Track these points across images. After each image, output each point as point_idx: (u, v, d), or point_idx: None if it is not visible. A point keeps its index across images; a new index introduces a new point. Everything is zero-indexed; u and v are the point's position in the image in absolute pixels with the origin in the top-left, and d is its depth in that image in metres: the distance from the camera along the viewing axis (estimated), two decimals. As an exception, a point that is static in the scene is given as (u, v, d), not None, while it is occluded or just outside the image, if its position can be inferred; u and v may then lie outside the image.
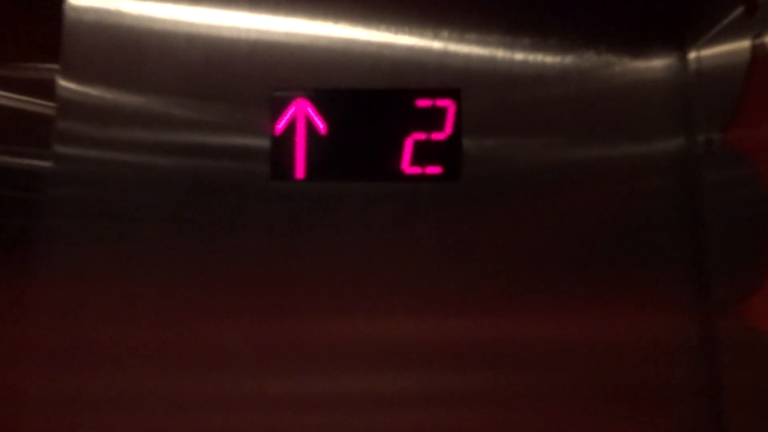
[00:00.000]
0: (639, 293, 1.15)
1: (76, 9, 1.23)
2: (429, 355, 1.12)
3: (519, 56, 1.22)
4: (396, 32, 1.22)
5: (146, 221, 1.16)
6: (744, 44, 1.04)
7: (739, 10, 1.06)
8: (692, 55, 1.21)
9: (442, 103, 1.18)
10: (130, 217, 1.16)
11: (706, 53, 1.17)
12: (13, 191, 1.24)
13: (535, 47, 1.22)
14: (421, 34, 1.22)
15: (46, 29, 1.25)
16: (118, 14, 1.23)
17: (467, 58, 1.22)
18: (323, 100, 1.19)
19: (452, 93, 1.18)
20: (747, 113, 1.05)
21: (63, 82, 1.21)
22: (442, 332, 1.13)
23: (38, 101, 1.26)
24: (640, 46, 1.23)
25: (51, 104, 1.21)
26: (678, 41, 1.23)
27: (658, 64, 1.22)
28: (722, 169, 1.12)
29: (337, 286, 1.14)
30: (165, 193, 1.17)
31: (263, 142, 1.18)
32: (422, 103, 1.18)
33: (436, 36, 1.22)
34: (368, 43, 1.22)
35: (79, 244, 1.15)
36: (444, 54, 1.22)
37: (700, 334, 1.13)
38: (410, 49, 1.22)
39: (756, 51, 1.02)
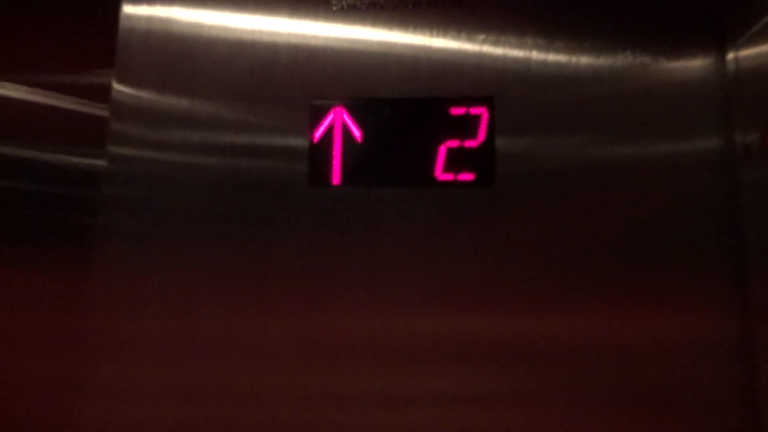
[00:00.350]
0: (676, 294, 1.13)
1: (130, 17, 1.29)
2: (466, 356, 1.13)
3: (553, 58, 1.21)
4: (431, 38, 1.24)
5: (193, 219, 1.20)
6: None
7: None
8: (731, 55, 1.19)
9: (475, 110, 1.19)
10: (179, 215, 1.21)
11: (744, 53, 1.15)
12: (72, 189, 1.30)
13: (569, 49, 1.22)
14: (456, 39, 1.23)
15: (102, 36, 1.30)
16: (168, 21, 1.28)
17: (502, 61, 1.22)
18: (359, 109, 1.22)
19: (485, 100, 1.19)
20: None
21: (117, 86, 1.26)
22: (477, 334, 1.14)
23: (94, 104, 1.31)
24: (677, 46, 1.21)
25: (106, 107, 1.27)
26: (716, 41, 1.20)
27: (695, 64, 1.20)
28: (761, 172, 1.10)
29: (371, 289, 1.16)
30: (211, 192, 1.21)
31: (303, 145, 1.22)
32: (456, 111, 1.19)
33: (470, 40, 1.23)
34: (404, 52, 1.24)
35: (132, 239, 1.20)
36: (479, 58, 1.23)
37: (738, 336, 1.11)
38: (445, 56, 1.23)
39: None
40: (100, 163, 1.25)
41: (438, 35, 1.24)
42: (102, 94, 1.28)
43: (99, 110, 1.30)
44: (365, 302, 1.16)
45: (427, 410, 1.13)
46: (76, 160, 1.31)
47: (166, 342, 1.17)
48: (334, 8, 1.27)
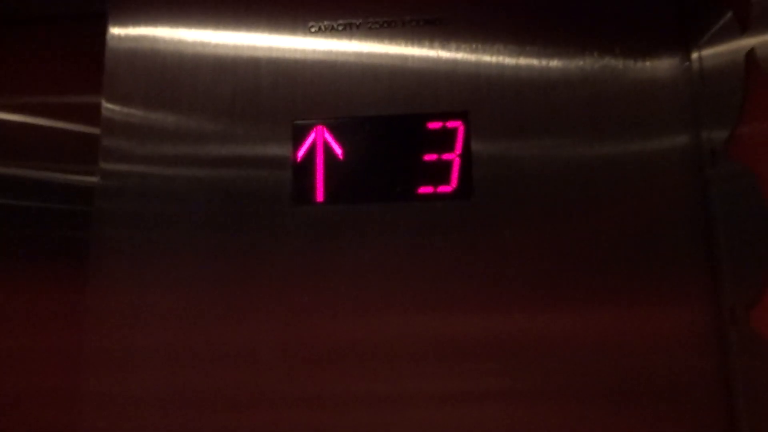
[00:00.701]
0: (651, 292, 1.16)
1: (117, 37, 1.32)
2: (447, 367, 1.16)
3: (525, 66, 1.24)
4: (406, 56, 1.27)
5: (184, 230, 1.23)
6: (741, 43, 1.06)
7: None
8: (695, 54, 1.22)
9: (452, 124, 1.22)
10: (170, 227, 1.24)
11: (708, 53, 1.18)
12: (66, 204, 1.34)
13: (540, 56, 1.25)
14: (430, 55, 1.27)
15: (90, 56, 1.33)
16: (153, 40, 1.31)
17: (475, 74, 1.25)
18: (340, 127, 1.25)
19: (461, 114, 1.23)
20: (747, 121, 1.07)
21: (106, 104, 1.29)
22: (462, 339, 1.16)
23: (85, 123, 1.35)
24: (644, 48, 1.24)
25: (96, 125, 1.29)
26: (681, 42, 1.23)
27: (662, 64, 1.23)
28: (725, 168, 1.13)
29: (357, 299, 1.19)
30: (200, 203, 1.24)
31: (286, 164, 1.25)
32: (433, 125, 1.23)
33: (444, 56, 1.26)
34: (381, 70, 1.27)
35: (125, 252, 1.23)
36: (453, 73, 1.25)
37: (710, 332, 1.13)
38: (420, 71, 1.26)
39: (749, 58, 1.04)
40: (93, 179, 1.28)
41: (413, 52, 1.27)
42: (92, 112, 1.31)
43: (90, 128, 1.33)
44: (351, 311, 1.19)
45: (414, 411, 1.16)
46: (69, 177, 1.35)
47: (160, 351, 1.20)
48: (312, 29, 1.30)
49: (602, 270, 1.17)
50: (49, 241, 1.33)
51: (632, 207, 1.19)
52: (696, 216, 1.17)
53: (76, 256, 1.26)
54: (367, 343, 1.18)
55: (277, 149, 1.26)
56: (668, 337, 1.14)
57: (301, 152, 1.25)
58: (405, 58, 1.28)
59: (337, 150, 1.24)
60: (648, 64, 1.23)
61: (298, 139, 1.25)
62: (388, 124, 1.24)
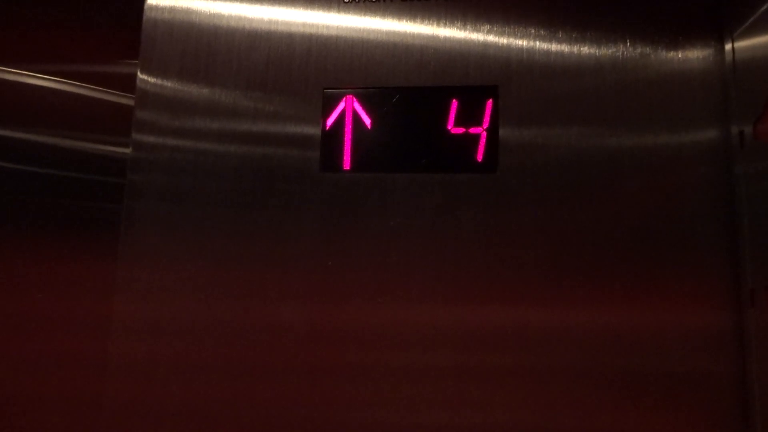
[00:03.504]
0: (674, 282, 1.15)
1: (154, 8, 1.34)
2: (466, 338, 1.17)
3: (556, 48, 1.25)
4: (438, 29, 1.28)
5: (214, 204, 1.25)
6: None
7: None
8: (729, 45, 1.21)
9: (480, 98, 1.23)
10: (200, 200, 1.25)
11: (742, 44, 1.17)
12: (99, 175, 1.36)
13: (572, 40, 1.25)
14: (462, 30, 1.27)
15: (127, 27, 1.36)
16: (189, 12, 1.33)
17: (506, 51, 1.26)
18: (369, 97, 1.26)
19: (490, 90, 1.24)
20: None
21: (141, 75, 1.32)
22: (478, 317, 1.17)
23: (120, 93, 1.38)
24: (676, 37, 1.23)
25: (131, 96, 1.32)
26: (715, 32, 1.23)
27: (695, 54, 1.22)
28: (754, 162, 1.12)
29: (381, 270, 1.20)
30: (231, 179, 1.26)
31: (316, 132, 1.26)
32: (461, 99, 1.24)
33: (476, 31, 1.27)
34: (413, 42, 1.28)
35: (156, 224, 1.25)
36: (484, 49, 1.26)
37: (732, 324, 1.13)
38: (452, 46, 1.27)
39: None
40: (126, 150, 1.30)
41: (445, 26, 1.28)
42: (127, 83, 1.33)
43: (124, 99, 1.36)
44: (373, 283, 1.21)
45: (431, 387, 1.16)
46: (102, 147, 1.38)
47: (187, 323, 1.22)
48: (346, 2, 1.32)
49: (622, 257, 1.17)
50: (80, 210, 1.36)
51: (656, 197, 1.19)
52: (721, 210, 1.17)
53: (107, 227, 1.28)
54: (387, 313, 1.19)
55: (307, 118, 1.28)
56: (687, 329, 1.14)
57: (330, 120, 1.27)
58: (437, 32, 1.29)
59: (366, 119, 1.26)
60: (680, 54, 1.23)
61: (327, 108, 1.27)
62: (417, 95, 1.26)
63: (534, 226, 1.19)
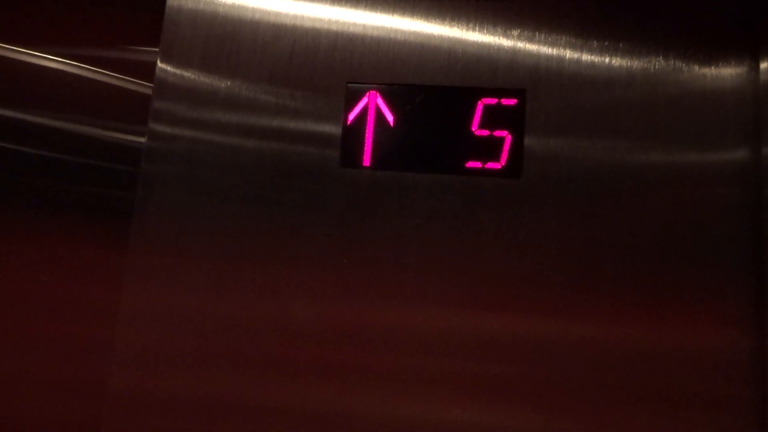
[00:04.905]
0: (695, 301, 1.13)
1: (178, -4, 1.33)
2: (480, 344, 1.15)
3: (587, 58, 1.23)
4: (467, 31, 1.26)
5: (229, 198, 1.24)
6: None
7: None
8: (765, 64, 1.18)
9: (507, 102, 1.21)
10: (216, 194, 1.24)
11: (779, 64, 1.15)
12: (113, 163, 1.34)
13: (603, 50, 1.23)
14: (492, 33, 1.26)
15: (149, 13, 1.34)
16: (214, 2, 1.31)
17: (536, 58, 1.24)
18: (393, 94, 1.25)
19: (517, 93, 1.22)
20: None
21: (161, 65, 1.30)
22: (494, 324, 1.16)
23: (139, 81, 1.35)
24: (711, 53, 1.21)
25: (150, 84, 1.30)
26: (750, 49, 1.20)
27: (728, 72, 1.20)
28: None
29: (396, 271, 1.19)
30: (249, 173, 1.24)
31: (337, 129, 1.25)
32: (488, 101, 1.22)
33: (506, 35, 1.25)
34: (440, 42, 1.26)
35: (170, 215, 1.24)
36: (513, 53, 1.24)
37: (752, 347, 1.10)
38: (480, 48, 1.25)
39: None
40: (142, 139, 1.29)
41: (474, 28, 1.27)
42: (146, 71, 1.32)
43: (142, 88, 1.34)
44: (389, 284, 1.19)
45: (446, 393, 1.15)
46: (118, 135, 1.36)
47: (197, 315, 1.20)
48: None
49: (643, 272, 1.15)
50: (94, 198, 1.34)
51: (681, 214, 1.16)
52: (747, 232, 1.14)
53: (120, 216, 1.27)
54: (402, 315, 1.18)
55: (329, 114, 1.26)
56: (705, 350, 1.11)
57: (352, 115, 1.25)
58: (466, 34, 1.27)
59: (389, 116, 1.24)
60: (714, 70, 1.20)
61: (350, 102, 1.25)
62: (442, 94, 1.24)
63: (554, 235, 1.17)
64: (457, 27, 1.27)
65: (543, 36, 1.25)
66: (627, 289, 1.15)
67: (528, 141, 1.21)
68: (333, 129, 1.26)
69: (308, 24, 1.30)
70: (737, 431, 1.08)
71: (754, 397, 1.09)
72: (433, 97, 1.24)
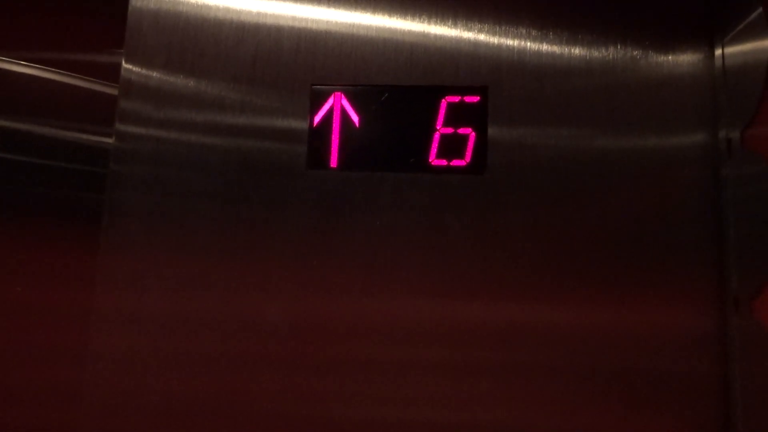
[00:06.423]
0: (658, 283, 1.16)
1: (140, -3, 1.31)
2: (452, 336, 1.17)
3: (547, 49, 1.24)
4: (429, 27, 1.27)
5: (197, 197, 1.24)
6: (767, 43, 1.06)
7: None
8: (719, 51, 1.21)
9: (470, 99, 1.23)
10: (184, 193, 1.25)
11: (732, 50, 1.18)
12: (81, 165, 1.33)
13: (563, 41, 1.25)
14: (453, 28, 1.27)
15: (113, 15, 1.33)
16: (176, 3, 1.31)
17: (497, 51, 1.25)
18: (358, 95, 1.25)
19: (479, 90, 1.23)
20: (764, 113, 1.07)
21: (126, 65, 1.29)
22: (465, 316, 1.17)
23: (105, 82, 1.34)
24: (667, 42, 1.23)
25: (116, 85, 1.29)
26: (706, 37, 1.23)
27: (684, 59, 1.22)
28: (740, 168, 1.13)
29: (366, 268, 1.20)
30: (215, 172, 1.25)
31: (303, 129, 1.25)
32: (451, 99, 1.23)
33: (467, 30, 1.26)
34: (403, 39, 1.27)
35: (139, 215, 1.24)
36: (475, 48, 1.26)
37: (715, 327, 1.14)
38: (442, 44, 1.26)
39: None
40: (109, 140, 1.28)
41: (435, 24, 1.27)
42: (112, 72, 1.31)
43: (108, 88, 1.33)
44: (359, 281, 1.20)
45: (417, 383, 1.17)
46: (85, 137, 1.34)
47: (168, 315, 1.21)
48: (336, -1, 1.31)
49: (608, 258, 1.18)
50: (62, 200, 1.33)
51: (644, 199, 1.19)
52: (707, 213, 1.17)
53: (90, 218, 1.27)
54: (373, 311, 1.19)
55: (294, 114, 1.26)
56: (672, 331, 1.15)
57: (318, 117, 1.25)
58: (427, 30, 1.28)
59: (354, 117, 1.25)
60: (670, 57, 1.23)
61: (315, 104, 1.26)
62: (406, 94, 1.25)
63: (521, 226, 1.20)
64: (419, 24, 1.28)
65: (503, 30, 1.26)
66: (594, 275, 1.17)
67: (492, 135, 1.22)
68: (299, 129, 1.26)
69: (271, 24, 1.30)
70: (704, 405, 1.12)
71: (718, 373, 1.13)
72: (398, 97, 1.25)
